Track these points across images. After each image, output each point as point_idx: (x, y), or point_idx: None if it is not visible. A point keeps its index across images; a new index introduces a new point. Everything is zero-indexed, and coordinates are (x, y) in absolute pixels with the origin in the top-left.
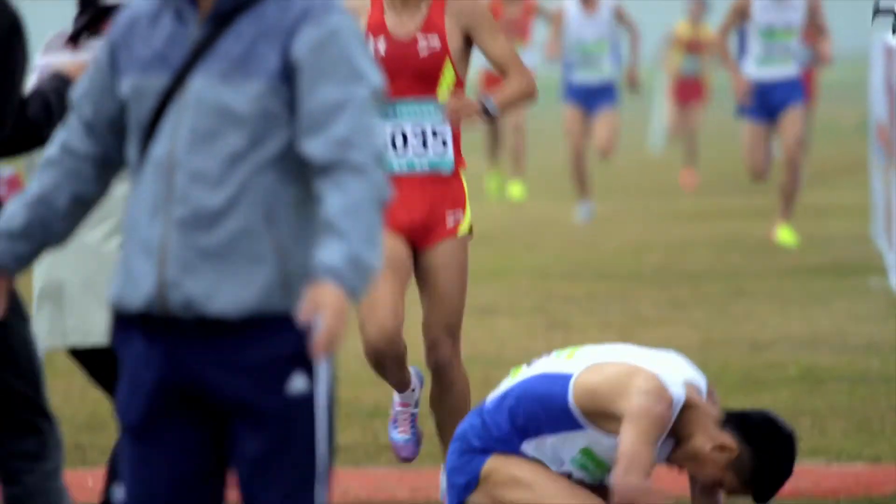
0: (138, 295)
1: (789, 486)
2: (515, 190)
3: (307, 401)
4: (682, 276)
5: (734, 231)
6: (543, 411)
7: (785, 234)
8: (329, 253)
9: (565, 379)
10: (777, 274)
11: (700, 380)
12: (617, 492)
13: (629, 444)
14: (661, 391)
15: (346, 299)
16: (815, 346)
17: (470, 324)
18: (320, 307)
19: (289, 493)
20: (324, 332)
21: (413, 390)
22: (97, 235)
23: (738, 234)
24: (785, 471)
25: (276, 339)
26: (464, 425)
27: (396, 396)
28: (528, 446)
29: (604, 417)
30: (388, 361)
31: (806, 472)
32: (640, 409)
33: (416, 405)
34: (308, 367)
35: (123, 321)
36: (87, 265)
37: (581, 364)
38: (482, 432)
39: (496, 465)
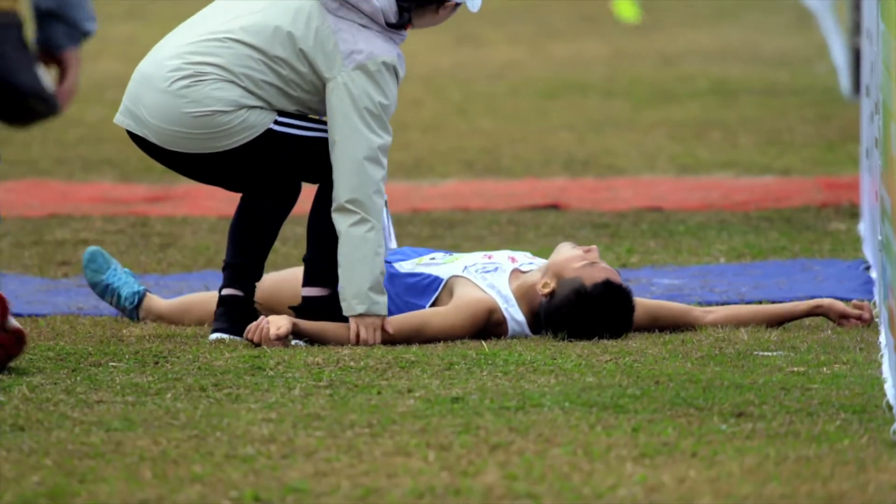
0: None
1: (700, 199)
2: None
3: None
4: None
5: None
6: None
7: (624, 9)
8: None
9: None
10: None
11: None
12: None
13: (428, 313)
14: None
15: None
16: (726, 58)
17: None
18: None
19: None
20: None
21: None
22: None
23: None
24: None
25: None
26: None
27: None
28: None
29: None
30: None
31: (716, 185)
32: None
33: None
34: None
35: None
36: None
37: (449, 271)
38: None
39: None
